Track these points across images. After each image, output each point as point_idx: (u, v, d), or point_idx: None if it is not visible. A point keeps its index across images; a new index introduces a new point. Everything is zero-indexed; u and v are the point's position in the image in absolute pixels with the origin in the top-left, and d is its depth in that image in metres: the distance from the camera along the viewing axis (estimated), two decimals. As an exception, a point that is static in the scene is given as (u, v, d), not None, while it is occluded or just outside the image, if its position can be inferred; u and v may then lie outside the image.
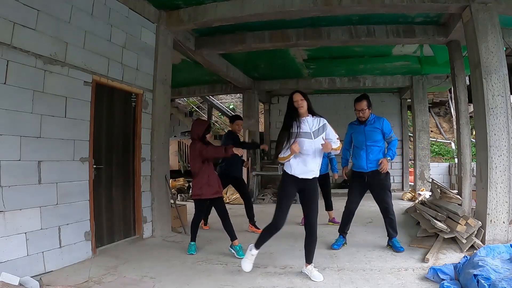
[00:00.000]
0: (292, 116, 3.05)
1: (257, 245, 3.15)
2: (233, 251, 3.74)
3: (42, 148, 3.16)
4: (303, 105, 3.02)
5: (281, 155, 3.06)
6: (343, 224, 4.00)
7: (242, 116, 9.59)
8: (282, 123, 3.12)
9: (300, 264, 3.21)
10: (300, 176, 3.03)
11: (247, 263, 3.15)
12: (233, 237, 3.77)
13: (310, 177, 3.05)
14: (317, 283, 2.93)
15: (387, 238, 3.90)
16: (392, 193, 3.95)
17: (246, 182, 5.86)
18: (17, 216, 2.90)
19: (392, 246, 3.81)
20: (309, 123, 3.05)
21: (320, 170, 5.39)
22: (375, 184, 3.81)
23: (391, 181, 10.31)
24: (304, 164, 3.02)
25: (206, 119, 4.42)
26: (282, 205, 3.08)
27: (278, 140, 3.10)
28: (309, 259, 3.08)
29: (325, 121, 3.13)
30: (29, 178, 3.04)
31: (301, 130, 3.00)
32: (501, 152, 3.74)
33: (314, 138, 3.01)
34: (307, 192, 3.09)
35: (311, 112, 3.11)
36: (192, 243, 3.89)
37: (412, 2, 4.21)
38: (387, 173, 3.83)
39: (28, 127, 3.04)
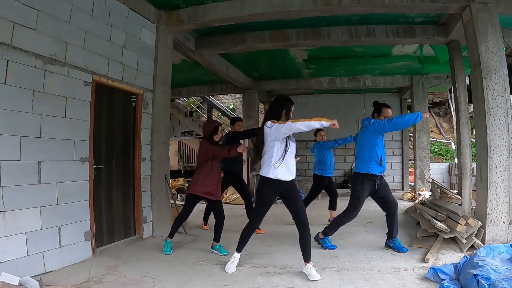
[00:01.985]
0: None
1: (239, 249, 3.33)
2: (215, 251, 3.81)
3: (42, 148, 3.16)
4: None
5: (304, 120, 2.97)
6: (335, 229, 3.95)
7: (242, 116, 9.62)
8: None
9: (300, 264, 3.21)
10: (284, 179, 3.12)
11: (231, 265, 3.26)
12: (216, 238, 3.86)
13: (292, 178, 3.19)
14: (317, 283, 2.93)
15: (387, 239, 3.88)
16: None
17: (246, 182, 5.78)
18: (17, 216, 2.90)
19: (394, 246, 3.78)
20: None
21: (329, 172, 5.30)
22: (383, 185, 3.79)
23: (391, 181, 10.41)
24: (288, 167, 3.14)
25: (216, 120, 4.29)
26: (263, 211, 3.29)
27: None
28: (307, 257, 3.09)
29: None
30: (29, 178, 3.04)
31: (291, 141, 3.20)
32: (501, 152, 3.74)
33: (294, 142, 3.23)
34: (290, 193, 3.20)
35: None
36: (169, 241, 3.84)
37: (412, 2, 4.22)
38: None
39: (28, 127, 3.04)
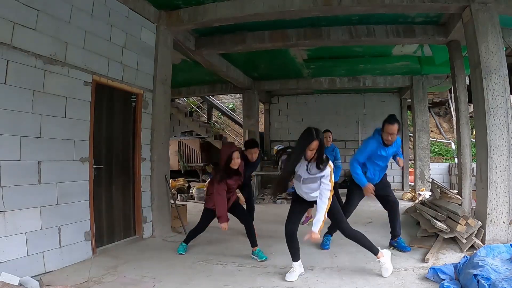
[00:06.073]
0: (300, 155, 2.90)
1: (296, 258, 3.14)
2: (255, 257, 3.63)
3: (42, 148, 3.16)
4: (313, 156, 2.86)
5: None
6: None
7: (242, 116, 9.60)
8: (293, 153, 2.98)
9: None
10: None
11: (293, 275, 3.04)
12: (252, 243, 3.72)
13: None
14: (317, 283, 2.93)
15: (391, 238, 3.88)
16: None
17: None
18: (17, 216, 2.90)
19: (398, 246, 3.77)
20: (309, 168, 2.93)
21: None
22: (384, 185, 3.99)
23: (391, 181, 10.41)
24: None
25: (232, 145, 4.00)
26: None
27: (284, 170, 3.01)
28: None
29: (327, 172, 2.92)
30: (29, 178, 3.04)
31: (297, 173, 3.00)
32: (501, 152, 3.74)
33: (304, 183, 3.00)
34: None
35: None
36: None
37: (412, 2, 4.21)
38: None
39: (28, 127, 3.04)
